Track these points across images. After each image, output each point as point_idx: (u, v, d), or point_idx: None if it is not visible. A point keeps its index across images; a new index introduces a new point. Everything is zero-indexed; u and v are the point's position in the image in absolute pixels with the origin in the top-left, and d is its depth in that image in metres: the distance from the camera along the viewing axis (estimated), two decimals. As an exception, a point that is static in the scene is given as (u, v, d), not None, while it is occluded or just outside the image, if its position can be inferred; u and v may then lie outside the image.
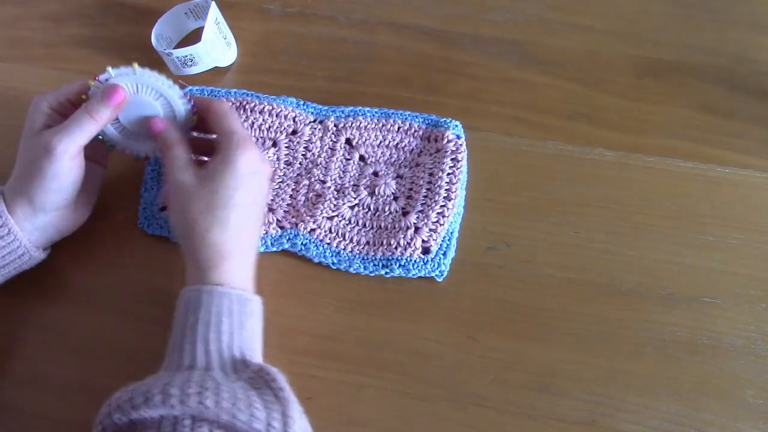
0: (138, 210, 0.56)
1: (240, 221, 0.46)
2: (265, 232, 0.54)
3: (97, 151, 0.53)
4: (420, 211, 0.55)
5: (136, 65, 0.49)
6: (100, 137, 0.51)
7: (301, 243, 0.54)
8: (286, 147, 0.59)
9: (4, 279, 0.50)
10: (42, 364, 0.50)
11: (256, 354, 0.44)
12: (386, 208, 0.55)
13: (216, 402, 0.37)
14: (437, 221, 0.54)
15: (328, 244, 0.54)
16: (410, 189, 0.56)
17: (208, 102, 0.50)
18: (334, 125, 0.59)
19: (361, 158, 0.58)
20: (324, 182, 0.57)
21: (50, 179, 0.47)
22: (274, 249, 0.54)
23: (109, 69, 0.49)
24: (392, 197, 0.56)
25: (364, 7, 0.69)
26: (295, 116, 0.59)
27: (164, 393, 0.38)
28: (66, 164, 0.47)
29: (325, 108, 0.61)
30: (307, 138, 0.59)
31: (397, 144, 0.58)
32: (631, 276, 0.53)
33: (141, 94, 0.49)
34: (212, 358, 0.41)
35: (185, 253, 0.47)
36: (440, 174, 0.56)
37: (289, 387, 0.41)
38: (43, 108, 0.49)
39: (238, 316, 0.44)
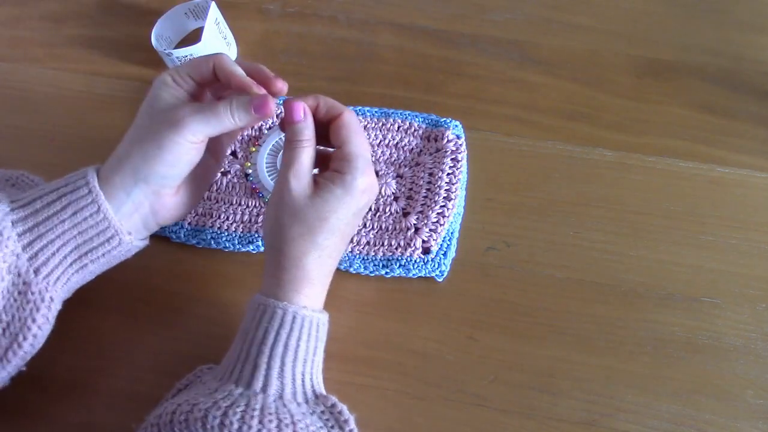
0: (138, 210, 0.56)
1: (336, 250, 0.44)
2: (265, 232, 0.54)
3: (217, 144, 0.49)
4: (420, 212, 0.55)
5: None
6: (264, 200, 0.51)
7: (301, 243, 0.54)
8: (286, 147, 0.59)
9: (99, 270, 0.45)
10: (42, 364, 0.50)
11: (320, 379, 0.44)
12: (387, 209, 0.55)
13: None
14: (437, 221, 0.54)
15: (328, 244, 0.54)
16: (410, 189, 0.56)
17: (338, 109, 0.45)
18: (334, 125, 0.59)
19: (361, 158, 0.58)
20: (324, 182, 0.57)
21: (167, 151, 0.42)
22: (274, 249, 0.54)
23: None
24: (392, 198, 0.56)
25: (364, 7, 0.69)
26: (295, 116, 0.59)
27: (243, 422, 0.37)
28: (188, 142, 0.43)
29: (325, 108, 0.61)
30: (307, 138, 0.59)
31: (397, 143, 0.58)
32: (630, 276, 0.53)
33: None
34: (286, 384, 0.41)
35: (269, 261, 0.44)
36: (440, 174, 0.56)
37: (357, 429, 0.41)
38: (168, 81, 0.44)
39: (314, 341, 0.43)
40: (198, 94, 0.46)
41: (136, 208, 0.44)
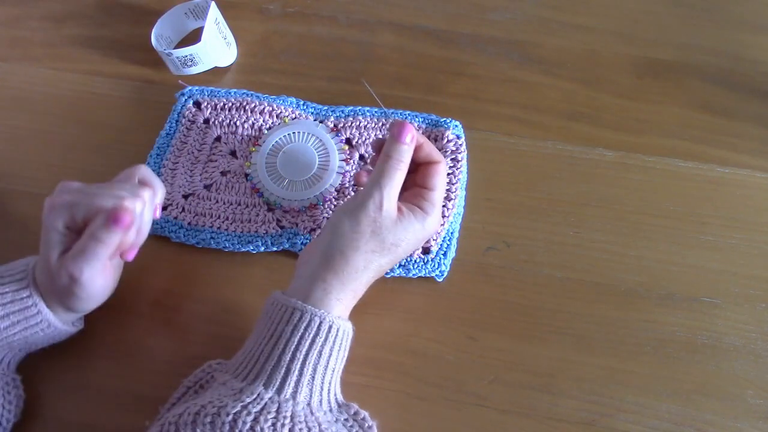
0: (138, 210, 0.56)
1: (384, 271, 0.47)
2: (265, 231, 0.54)
3: None
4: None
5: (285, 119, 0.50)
6: (265, 200, 0.53)
7: (301, 243, 0.54)
8: (286, 147, 0.59)
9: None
10: (42, 364, 0.50)
11: (339, 387, 0.44)
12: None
13: None
14: (437, 221, 0.54)
15: (328, 244, 0.54)
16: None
17: (437, 157, 0.48)
18: (334, 125, 0.59)
19: (361, 158, 0.58)
20: (324, 182, 0.57)
21: (86, 299, 0.44)
22: (275, 248, 0.54)
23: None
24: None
25: (364, 7, 0.69)
26: (295, 116, 0.59)
27: (275, 429, 0.37)
28: (97, 284, 0.44)
29: (325, 108, 0.61)
30: (307, 138, 0.59)
31: (397, 144, 0.58)
32: (631, 276, 0.53)
33: (298, 141, 0.50)
34: (314, 392, 0.41)
35: (320, 259, 0.44)
36: (440, 174, 0.56)
37: None
38: (58, 227, 0.43)
39: (343, 351, 0.44)
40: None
41: (78, 320, 0.48)
